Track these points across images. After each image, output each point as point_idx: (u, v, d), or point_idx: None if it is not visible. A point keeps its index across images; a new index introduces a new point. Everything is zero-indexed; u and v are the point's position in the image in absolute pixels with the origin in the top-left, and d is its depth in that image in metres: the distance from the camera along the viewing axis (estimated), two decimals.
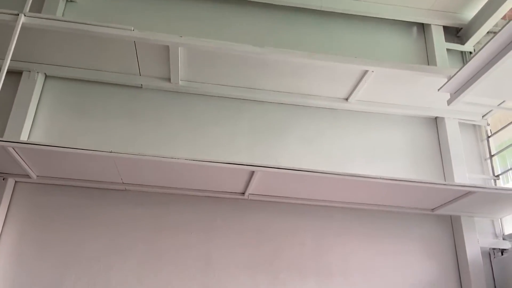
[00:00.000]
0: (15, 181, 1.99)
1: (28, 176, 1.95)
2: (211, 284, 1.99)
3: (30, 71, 2.14)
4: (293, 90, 2.42)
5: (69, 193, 2.03)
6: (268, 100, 2.45)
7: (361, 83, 2.29)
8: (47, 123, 2.15)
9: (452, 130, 2.46)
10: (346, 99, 2.46)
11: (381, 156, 2.44)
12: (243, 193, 2.15)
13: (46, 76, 2.22)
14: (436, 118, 2.57)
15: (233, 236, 2.11)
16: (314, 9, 2.64)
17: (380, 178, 1.91)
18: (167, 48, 2.06)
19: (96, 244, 1.96)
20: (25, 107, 2.08)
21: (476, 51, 2.47)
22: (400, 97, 2.43)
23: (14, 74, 2.13)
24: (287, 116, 2.46)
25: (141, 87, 2.33)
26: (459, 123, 2.52)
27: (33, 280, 1.85)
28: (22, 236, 1.91)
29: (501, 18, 2.58)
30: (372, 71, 2.18)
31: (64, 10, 2.35)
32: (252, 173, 1.92)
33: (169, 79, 2.27)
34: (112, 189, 2.07)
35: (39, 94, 2.17)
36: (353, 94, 2.39)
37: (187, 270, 2.00)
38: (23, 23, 1.87)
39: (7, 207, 1.93)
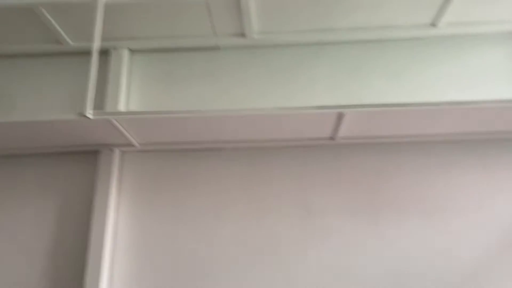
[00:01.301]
0: (122, 151, 2.18)
1: (131, 145, 2.12)
2: (312, 229, 2.03)
3: (116, 49, 2.29)
4: (370, 24, 2.26)
5: (169, 157, 2.17)
6: (345, 39, 2.33)
7: (451, 1, 2.05)
8: (139, 94, 2.30)
9: None
10: (433, 24, 2.24)
11: (480, 81, 2.22)
12: (332, 138, 2.11)
13: (131, 51, 2.35)
14: None
15: (328, 181, 2.11)
16: None
17: (489, 102, 1.73)
18: (237, 1, 2.04)
19: (201, 201, 2.09)
20: (118, 83, 2.23)
21: None
22: (499, 11, 2.14)
23: (102, 54, 2.28)
24: (367, 53, 2.33)
25: (218, 47, 2.36)
26: None
27: (149, 236, 2.05)
28: (135, 199, 2.11)
29: None
30: None
31: None
32: (340, 115, 1.87)
33: (243, 34, 2.27)
34: (208, 149, 2.17)
35: (128, 69, 2.31)
36: (440, 17, 2.17)
37: (287, 217, 2.05)
38: (104, 1, 1.97)
39: (118, 175, 2.12)
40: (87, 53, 2.33)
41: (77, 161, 2.17)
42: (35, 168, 2.17)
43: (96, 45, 1.92)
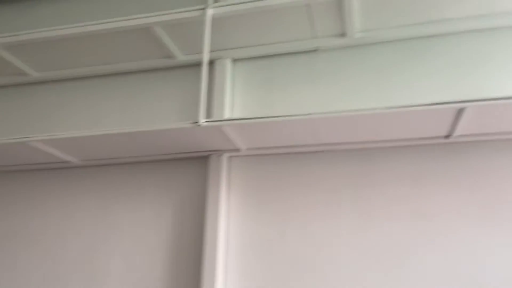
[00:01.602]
0: (229, 156, 2.26)
1: (238, 150, 2.20)
2: (429, 234, 1.90)
3: (220, 59, 2.39)
4: (484, 11, 2.07)
5: (274, 160, 2.21)
6: (456, 30, 2.16)
7: None
8: (242, 101, 2.37)
9: None
10: None
11: None
12: (447, 136, 1.97)
13: (233, 60, 2.44)
14: None
15: (444, 182, 1.97)
16: None
17: None
18: (340, 1, 2.01)
19: (308, 203, 2.09)
20: (223, 91, 2.33)
21: None
22: None
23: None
24: (482, 43, 2.14)
25: (317, 49, 2.34)
26: None
27: (259, 237, 2.10)
28: (244, 201, 2.18)
29: None
30: None
31: None
32: (459, 111, 1.74)
33: (344, 34, 2.23)
34: (311, 152, 2.17)
35: (231, 78, 2.40)
36: None
37: (400, 222, 1.95)
38: (211, 15, 2.07)
39: (226, 179, 2.21)
40: (193, 65, 2.49)
41: (189, 166, 2.31)
42: (153, 174, 2.35)
43: (206, 57, 2.02)
